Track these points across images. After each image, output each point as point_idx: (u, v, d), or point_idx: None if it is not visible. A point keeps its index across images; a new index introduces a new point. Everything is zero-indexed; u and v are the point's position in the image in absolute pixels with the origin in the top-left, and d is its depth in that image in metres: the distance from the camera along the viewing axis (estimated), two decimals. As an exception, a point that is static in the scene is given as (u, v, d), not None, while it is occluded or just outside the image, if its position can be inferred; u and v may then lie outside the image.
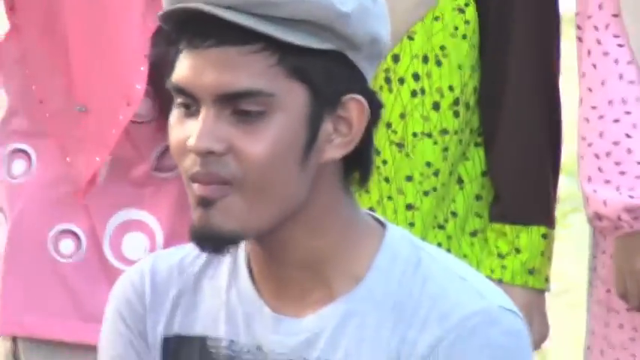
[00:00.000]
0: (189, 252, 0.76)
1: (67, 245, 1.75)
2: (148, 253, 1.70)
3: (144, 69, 1.66)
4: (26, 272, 1.75)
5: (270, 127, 0.64)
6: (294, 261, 0.69)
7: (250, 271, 0.73)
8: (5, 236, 1.77)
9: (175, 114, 0.68)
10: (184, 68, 0.65)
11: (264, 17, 0.63)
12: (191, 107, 0.66)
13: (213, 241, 0.65)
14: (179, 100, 0.67)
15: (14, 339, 1.80)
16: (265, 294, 0.71)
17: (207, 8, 0.62)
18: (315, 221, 0.69)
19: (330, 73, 0.66)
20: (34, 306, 1.74)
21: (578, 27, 1.65)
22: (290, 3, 0.63)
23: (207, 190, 0.64)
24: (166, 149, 1.69)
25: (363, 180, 0.73)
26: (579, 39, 1.65)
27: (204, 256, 0.74)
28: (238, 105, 0.64)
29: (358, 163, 0.71)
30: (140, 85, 1.66)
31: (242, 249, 0.73)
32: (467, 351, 0.65)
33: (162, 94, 1.64)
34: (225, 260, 0.74)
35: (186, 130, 0.65)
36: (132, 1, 1.69)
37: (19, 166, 1.77)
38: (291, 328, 0.70)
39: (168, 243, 1.69)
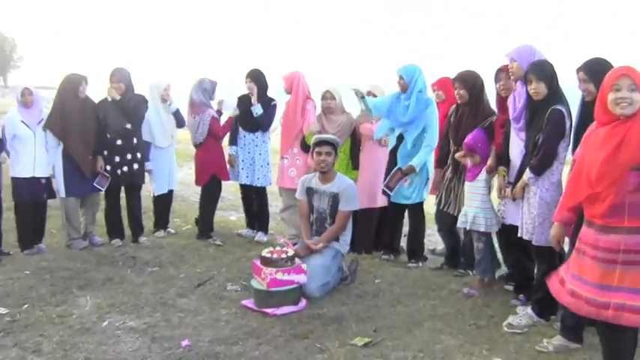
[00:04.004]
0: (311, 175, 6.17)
1: None
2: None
3: None
4: None
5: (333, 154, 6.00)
6: (326, 177, 5.96)
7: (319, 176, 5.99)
8: None
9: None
10: (317, 149, 5.96)
11: (332, 141, 5.98)
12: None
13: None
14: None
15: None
16: (321, 182, 5.93)
17: (323, 139, 5.97)
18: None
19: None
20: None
21: None
22: (333, 140, 6.02)
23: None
24: None
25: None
26: None
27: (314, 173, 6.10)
28: (326, 148, 5.95)
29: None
30: None
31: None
32: (347, 191, 5.89)
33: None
34: (316, 174, 6.02)
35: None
36: None
37: None
38: (325, 188, 5.93)
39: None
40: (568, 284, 3.73)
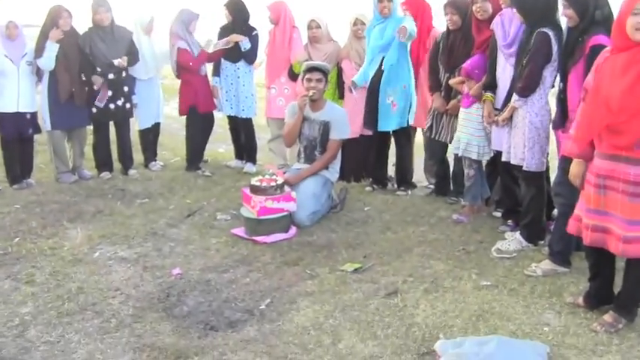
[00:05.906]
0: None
1: None
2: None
3: None
4: None
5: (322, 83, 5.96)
6: (316, 104, 5.94)
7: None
8: None
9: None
10: (307, 76, 6.00)
11: (322, 68, 5.98)
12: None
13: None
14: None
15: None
16: (311, 109, 5.94)
17: (313, 65, 5.97)
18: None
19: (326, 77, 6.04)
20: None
21: None
22: (323, 67, 6.01)
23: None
24: None
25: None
26: None
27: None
28: (316, 75, 5.90)
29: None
30: None
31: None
32: (339, 120, 5.98)
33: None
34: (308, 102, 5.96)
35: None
36: None
37: None
38: (316, 116, 5.94)
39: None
40: (588, 220, 3.62)
